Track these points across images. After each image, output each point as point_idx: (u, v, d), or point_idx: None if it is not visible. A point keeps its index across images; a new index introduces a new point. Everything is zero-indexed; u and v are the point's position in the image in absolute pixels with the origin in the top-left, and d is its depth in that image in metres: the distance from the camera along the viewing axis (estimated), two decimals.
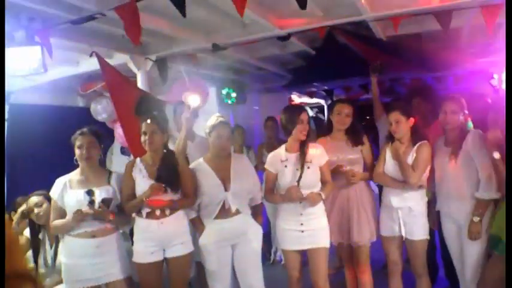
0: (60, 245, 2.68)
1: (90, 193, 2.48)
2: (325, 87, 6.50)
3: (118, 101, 3.16)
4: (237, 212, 2.66)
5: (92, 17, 2.53)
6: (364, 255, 2.87)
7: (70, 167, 2.60)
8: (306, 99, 7.47)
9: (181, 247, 2.60)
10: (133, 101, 3.15)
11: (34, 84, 3.44)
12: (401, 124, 2.70)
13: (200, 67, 4.16)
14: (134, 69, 3.52)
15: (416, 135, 2.74)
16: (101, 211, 2.47)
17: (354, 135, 2.94)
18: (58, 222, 2.52)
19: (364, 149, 2.95)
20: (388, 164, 2.79)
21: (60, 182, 2.57)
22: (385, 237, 2.82)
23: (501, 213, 2.41)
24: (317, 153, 2.71)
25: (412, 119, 2.72)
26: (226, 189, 2.63)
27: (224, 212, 2.64)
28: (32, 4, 2.41)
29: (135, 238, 2.62)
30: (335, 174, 2.81)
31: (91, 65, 3.39)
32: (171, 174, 2.58)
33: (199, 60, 3.74)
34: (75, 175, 2.59)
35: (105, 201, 2.52)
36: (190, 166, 2.76)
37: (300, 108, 2.81)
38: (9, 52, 2.50)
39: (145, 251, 2.56)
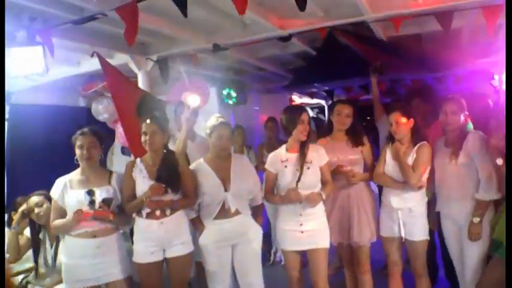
0: (61, 244, 2.69)
1: (90, 193, 2.49)
2: (326, 88, 6.50)
3: (119, 101, 3.16)
4: (237, 212, 2.66)
5: (93, 17, 2.54)
6: (364, 256, 2.87)
7: (70, 167, 2.60)
8: (306, 100, 7.48)
9: (181, 247, 2.60)
10: (134, 101, 3.16)
11: (35, 84, 3.44)
12: (401, 125, 2.70)
13: (201, 67, 4.16)
14: (135, 69, 3.53)
15: (416, 136, 2.74)
16: (102, 211, 2.47)
17: (354, 136, 2.94)
18: (58, 222, 2.52)
19: (365, 149, 2.95)
20: (389, 165, 2.79)
21: (60, 182, 2.57)
22: (385, 237, 2.82)
23: (503, 218, 2.41)
24: (317, 153, 2.71)
25: (412, 120, 2.72)
26: (226, 190, 2.63)
27: (224, 212, 2.64)
28: (33, 4, 2.41)
29: (135, 238, 2.62)
30: (335, 175, 2.81)
31: (92, 65, 3.40)
32: (172, 174, 2.58)
33: (199, 61, 3.75)
34: (75, 175, 2.60)
35: (106, 201, 2.52)
36: (191, 166, 2.76)
37: (301, 108, 2.82)
38: (10, 52, 2.50)
39: (145, 251, 2.56)
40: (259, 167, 3.95)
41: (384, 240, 2.84)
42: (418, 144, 2.71)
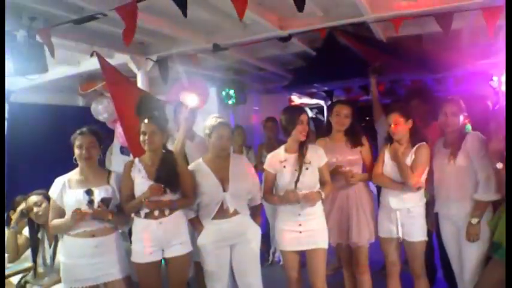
0: (59, 244, 2.68)
1: (89, 193, 2.48)
2: (325, 88, 6.50)
3: (118, 100, 3.16)
4: (236, 212, 2.66)
5: (93, 17, 2.54)
6: (363, 256, 2.87)
7: (69, 166, 2.60)
8: (305, 100, 7.48)
9: (179, 247, 2.60)
10: (134, 101, 3.16)
11: (34, 83, 3.44)
12: (400, 125, 2.70)
13: (201, 67, 4.16)
14: (134, 69, 3.53)
15: (415, 137, 2.75)
16: (100, 211, 2.48)
17: (353, 136, 2.94)
18: (57, 221, 2.52)
19: (364, 150, 2.95)
20: (387, 165, 2.79)
21: (59, 182, 2.57)
22: (384, 238, 2.82)
23: (503, 220, 2.41)
24: (316, 154, 2.71)
25: (411, 121, 2.73)
26: (224, 190, 2.63)
27: (222, 212, 2.64)
28: (33, 4, 2.41)
29: (133, 238, 2.62)
30: (334, 175, 2.81)
31: (91, 64, 3.40)
32: (170, 174, 2.58)
33: (199, 61, 3.75)
34: (74, 175, 2.60)
35: (105, 201, 2.52)
36: (190, 167, 2.76)
37: (300, 109, 2.82)
38: (10, 51, 2.50)
39: (143, 251, 2.56)
40: (259, 167, 3.95)
41: (382, 240, 2.84)
42: (417, 145, 2.71)
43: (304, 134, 2.65)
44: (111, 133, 4.33)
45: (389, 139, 2.80)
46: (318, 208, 2.71)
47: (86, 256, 2.47)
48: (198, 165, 2.73)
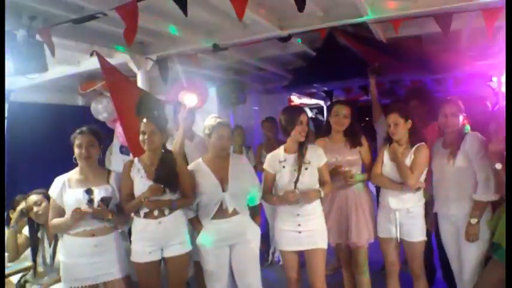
0: (59, 243, 2.68)
1: (89, 192, 2.49)
2: (325, 88, 6.50)
3: (118, 100, 3.16)
4: (235, 212, 2.66)
5: (93, 16, 2.54)
6: (362, 256, 2.87)
7: (69, 165, 2.60)
8: (305, 100, 7.48)
9: (179, 247, 2.61)
10: (134, 100, 3.16)
11: (34, 82, 3.44)
12: (399, 126, 2.71)
13: (201, 67, 4.16)
14: (134, 68, 3.52)
15: (414, 137, 2.75)
16: (100, 210, 2.48)
17: (352, 137, 2.95)
18: (57, 220, 2.52)
19: (363, 150, 2.96)
20: (386, 166, 2.80)
21: (59, 181, 2.57)
22: (383, 238, 2.83)
23: (503, 221, 2.42)
24: (316, 154, 2.71)
25: (410, 121, 2.73)
26: (224, 190, 2.64)
27: (222, 212, 2.64)
28: (33, 3, 2.41)
29: (133, 238, 2.63)
30: (333, 175, 2.82)
31: (91, 64, 3.40)
32: (170, 174, 2.59)
33: (199, 61, 3.75)
34: (74, 174, 2.60)
35: (104, 200, 2.52)
36: (189, 167, 2.76)
37: (300, 109, 2.82)
38: (10, 51, 2.50)
39: (143, 251, 2.56)
40: (258, 167, 3.96)
41: (381, 241, 2.85)
42: (416, 146, 2.71)
43: (304, 135, 2.66)
44: (110, 132, 4.33)
45: (389, 139, 2.80)
46: (317, 208, 2.71)
47: (86, 255, 2.48)
48: (198, 165, 2.73)
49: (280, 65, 4.80)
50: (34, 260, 2.91)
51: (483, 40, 3.50)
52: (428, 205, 2.83)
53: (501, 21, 2.45)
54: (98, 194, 2.52)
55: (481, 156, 2.54)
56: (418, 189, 2.71)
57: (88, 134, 2.56)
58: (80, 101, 4.65)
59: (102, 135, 2.70)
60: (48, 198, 2.72)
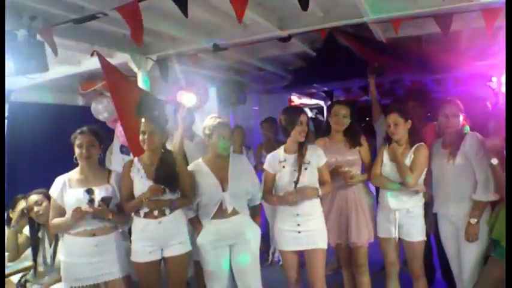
0: (60, 243, 2.69)
1: (89, 192, 2.49)
2: (325, 89, 6.51)
3: (118, 100, 3.17)
4: (235, 212, 2.66)
5: (93, 16, 2.54)
6: (362, 256, 2.88)
7: (69, 165, 2.61)
8: (305, 100, 7.48)
9: (179, 247, 2.61)
10: (134, 100, 3.16)
11: (35, 82, 3.44)
12: (399, 126, 2.72)
13: (200, 67, 4.16)
14: (135, 68, 3.53)
15: (414, 137, 2.76)
16: (101, 210, 2.48)
17: (352, 137, 2.95)
18: (58, 220, 2.52)
19: (362, 149, 2.96)
20: (386, 166, 2.80)
21: (59, 181, 2.58)
22: (383, 238, 2.83)
23: (501, 219, 2.42)
24: (316, 154, 2.72)
25: (410, 121, 2.74)
26: (224, 190, 2.64)
27: (222, 212, 2.64)
28: (34, 3, 2.41)
29: (133, 237, 2.63)
30: (333, 176, 2.82)
31: (92, 64, 3.40)
32: (169, 174, 2.59)
33: (199, 61, 3.75)
34: (74, 174, 2.60)
35: (105, 200, 2.52)
36: (189, 167, 2.76)
37: (300, 110, 2.83)
38: (11, 51, 2.50)
39: (143, 250, 2.57)
40: (258, 167, 3.96)
41: (381, 241, 2.85)
42: (416, 145, 2.72)
43: (304, 135, 2.66)
44: (111, 132, 4.34)
45: (388, 139, 2.81)
46: (317, 208, 2.72)
47: (86, 255, 2.48)
48: (198, 165, 2.74)
49: (280, 65, 4.81)
50: (34, 260, 2.91)
51: (483, 40, 3.50)
52: (428, 206, 2.83)
53: (501, 21, 2.46)
54: (99, 193, 2.52)
55: (481, 156, 2.54)
56: (417, 192, 2.71)
57: (88, 134, 2.56)
58: (80, 101, 4.65)
59: (102, 135, 2.71)
60: (48, 198, 2.73)
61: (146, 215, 2.57)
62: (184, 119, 3.10)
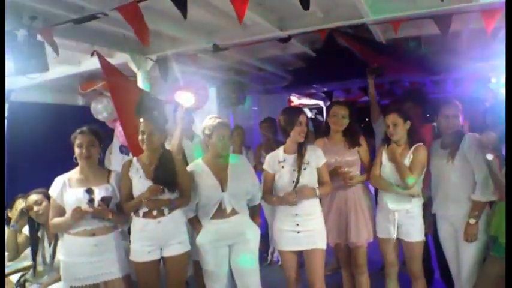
0: (59, 243, 2.69)
1: (89, 191, 2.49)
2: (325, 89, 6.52)
3: (118, 100, 3.17)
4: (234, 212, 2.66)
5: (93, 16, 2.54)
6: (361, 256, 2.88)
7: (69, 165, 2.61)
8: (305, 101, 7.49)
9: (178, 246, 2.61)
10: (134, 100, 3.16)
11: (35, 82, 3.45)
12: (398, 126, 2.72)
13: (200, 67, 4.17)
14: (135, 68, 3.53)
15: (413, 138, 2.76)
16: (100, 209, 2.48)
17: (351, 137, 2.96)
18: (57, 220, 2.53)
19: (361, 150, 2.97)
20: (385, 166, 2.81)
21: (59, 181, 2.58)
22: (382, 238, 2.84)
23: (498, 214, 2.43)
24: (315, 154, 2.72)
25: (409, 122, 2.74)
26: (223, 190, 2.64)
27: (221, 212, 2.64)
28: (34, 3, 2.42)
29: (132, 237, 2.63)
30: (333, 176, 2.82)
31: (92, 64, 3.40)
32: (168, 174, 2.59)
33: (199, 61, 3.75)
34: (74, 174, 2.60)
35: (105, 200, 2.53)
36: (189, 167, 2.76)
37: (299, 110, 2.83)
38: (11, 50, 2.50)
39: (142, 250, 2.57)
40: (257, 168, 3.96)
41: (380, 241, 2.86)
42: (415, 146, 2.72)
43: (303, 136, 2.67)
44: (110, 132, 4.34)
45: (387, 140, 2.81)
46: (316, 208, 2.72)
47: (86, 255, 2.48)
48: (197, 165, 2.74)
49: (280, 66, 4.81)
50: (34, 259, 2.91)
51: (482, 41, 3.51)
52: (427, 206, 2.84)
53: (500, 22, 2.46)
54: (98, 193, 2.52)
55: (480, 156, 2.55)
56: (417, 195, 2.72)
57: (88, 134, 2.57)
58: (80, 101, 4.65)
59: (102, 135, 2.71)
60: (48, 197, 2.73)
61: (145, 215, 2.57)
62: (183, 119, 3.10)
